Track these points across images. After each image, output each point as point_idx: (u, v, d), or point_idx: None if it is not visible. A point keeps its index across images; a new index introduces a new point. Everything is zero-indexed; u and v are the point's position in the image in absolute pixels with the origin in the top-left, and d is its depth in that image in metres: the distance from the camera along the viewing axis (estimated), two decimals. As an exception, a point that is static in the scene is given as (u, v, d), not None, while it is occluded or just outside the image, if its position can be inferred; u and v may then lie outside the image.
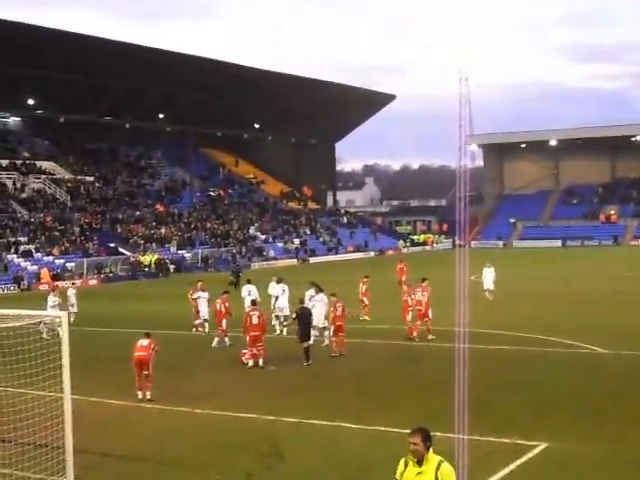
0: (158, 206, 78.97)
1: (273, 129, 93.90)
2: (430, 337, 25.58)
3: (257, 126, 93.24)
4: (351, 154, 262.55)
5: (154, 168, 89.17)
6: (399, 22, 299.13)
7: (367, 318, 31.19)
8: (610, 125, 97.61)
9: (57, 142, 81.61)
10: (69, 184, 75.12)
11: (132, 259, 64.60)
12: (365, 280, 32.13)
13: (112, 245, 66.85)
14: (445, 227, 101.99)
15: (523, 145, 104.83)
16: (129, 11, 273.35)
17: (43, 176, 74.06)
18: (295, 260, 75.71)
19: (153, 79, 72.87)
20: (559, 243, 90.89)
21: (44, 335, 22.27)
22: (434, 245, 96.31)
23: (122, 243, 68.06)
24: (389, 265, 50.48)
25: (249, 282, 30.92)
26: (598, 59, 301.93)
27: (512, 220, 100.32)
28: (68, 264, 60.12)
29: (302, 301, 24.61)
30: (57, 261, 60.51)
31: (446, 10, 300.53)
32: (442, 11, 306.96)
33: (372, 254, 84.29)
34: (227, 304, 26.52)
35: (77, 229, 67.40)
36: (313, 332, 23.70)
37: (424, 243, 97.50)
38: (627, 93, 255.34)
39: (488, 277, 36.48)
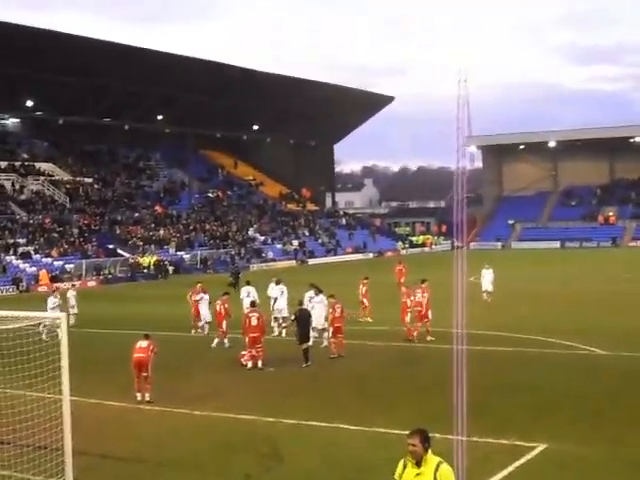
0: (157, 207, 78.95)
1: (272, 130, 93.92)
2: (429, 338, 25.60)
3: (256, 127, 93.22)
4: (350, 155, 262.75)
5: (153, 169, 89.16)
6: (399, 22, 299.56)
7: (370, 320, 31.16)
8: (609, 126, 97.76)
9: (56, 144, 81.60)
10: (68, 185, 75.09)
11: (131, 260, 64.57)
12: (365, 282, 32.14)
13: (111, 246, 66.84)
14: (444, 228, 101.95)
15: (522, 146, 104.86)
16: (126, 13, 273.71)
17: (42, 178, 74.05)
18: (294, 261, 75.70)
19: (152, 80, 72.85)
20: (558, 244, 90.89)
21: (43, 337, 22.24)
22: (433, 246, 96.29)
23: (121, 244, 68.05)
24: (388, 266, 50.48)
25: (248, 283, 30.92)
26: (598, 60, 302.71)
27: (511, 221, 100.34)
28: (67, 266, 60.08)
29: (301, 302, 24.59)
30: (56, 263, 60.45)
31: (446, 10, 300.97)
32: (442, 11, 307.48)
33: (371, 255, 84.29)
34: (227, 305, 26.54)
35: (76, 230, 67.37)
36: (312, 334, 23.68)
37: (423, 244, 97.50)
38: (626, 95, 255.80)
39: (486, 278, 36.50)
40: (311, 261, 76.96)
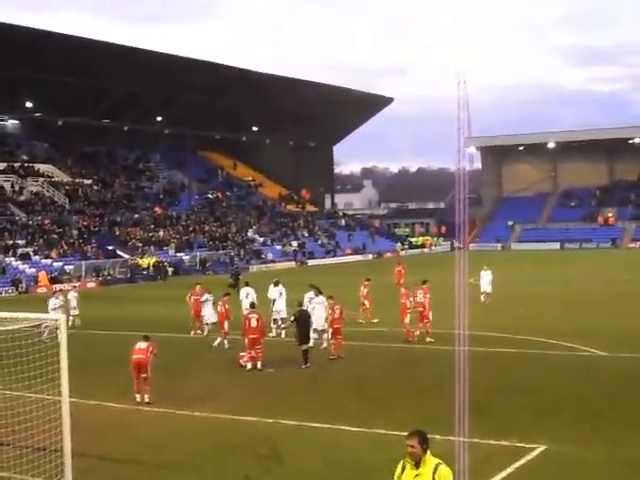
0: (156, 209, 78.94)
1: (271, 132, 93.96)
2: (428, 339, 25.59)
3: (255, 129, 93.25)
4: (349, 157, 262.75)
5: (152, 171, 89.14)
6: (399, 22, 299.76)
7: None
8: (608, 128, 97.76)
9: (55, 145, 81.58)
10: (67, 187, 75.07)
11: (130, 262, 64.55)
12: (367, 283, 32.10)
13: (110, 248, 66.81)
14: (444, 230, 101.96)
15: (521, 148, 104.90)
16: (126, 13, 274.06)
17: (41, 179, 74.03)
18: (293, 263, 75.69)
19: (151, 82, 72.88)
20: (557, 246, 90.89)
21: (44, 337, 22.19)
22: (432, 248, 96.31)
23: (120, 246, 68.02)
24: (387, 268, 50.45)
25: (247, 285, 30.90)
26: (597, 61, 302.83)
27: (510, 223, 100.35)
28: (66, 267, 60.07)
29: (301, 303, 24.56)
30: (55, 264, 60.45)
31: (446, 10, 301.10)
32: (442, 11, 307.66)
33: (370, 257, 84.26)
34: (227, 306, 26.52)
35: (75, 232, 67.35)
36: (313, 335, 23.66)
37: (422, 246, 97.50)
38: (625, 96, 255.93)
39: (485, 279, 36.48)
40: (310, 262, 76.94)
